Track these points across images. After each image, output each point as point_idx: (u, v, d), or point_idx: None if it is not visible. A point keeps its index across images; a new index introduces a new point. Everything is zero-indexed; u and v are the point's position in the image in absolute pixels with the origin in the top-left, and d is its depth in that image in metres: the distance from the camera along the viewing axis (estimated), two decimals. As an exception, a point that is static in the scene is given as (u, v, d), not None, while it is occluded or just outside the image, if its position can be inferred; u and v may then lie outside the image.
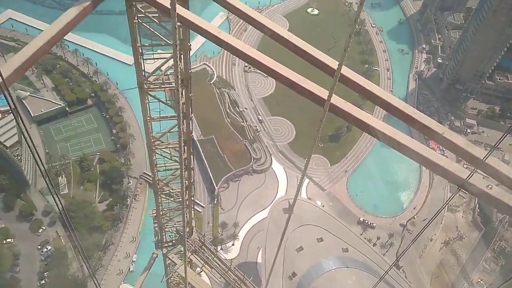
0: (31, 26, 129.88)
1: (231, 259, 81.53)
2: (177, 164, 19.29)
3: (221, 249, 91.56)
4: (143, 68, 14.20)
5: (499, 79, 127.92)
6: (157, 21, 11.61)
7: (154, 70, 14.18)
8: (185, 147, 18.56)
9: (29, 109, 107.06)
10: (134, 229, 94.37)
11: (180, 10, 8.20)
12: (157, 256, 30.63)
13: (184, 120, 16.74)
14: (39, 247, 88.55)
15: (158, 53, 14.36)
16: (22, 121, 7.83)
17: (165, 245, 27.44)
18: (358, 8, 6.82)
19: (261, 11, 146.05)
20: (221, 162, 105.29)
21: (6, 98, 6.97)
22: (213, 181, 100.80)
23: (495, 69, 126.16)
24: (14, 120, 70.67)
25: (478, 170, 6.80)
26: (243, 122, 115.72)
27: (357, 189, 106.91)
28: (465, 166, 7.48)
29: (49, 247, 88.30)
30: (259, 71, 8.75)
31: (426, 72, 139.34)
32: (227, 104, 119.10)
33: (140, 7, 11.31)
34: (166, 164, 19.63)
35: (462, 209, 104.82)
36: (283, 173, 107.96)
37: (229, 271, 31.60)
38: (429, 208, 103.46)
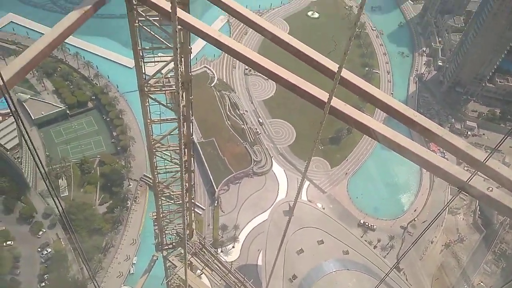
0: (32, 29, 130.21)
1: (232, 261, 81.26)
2: (177, 166, 19.32)
3: (222, 251, 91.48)
4: (143, 71, 14.23)
5: (500, 81, 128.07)
6: (158, 24, 11.64)
7: (154, 73, 14.26)
8: (186, 150, 18.57)
9: (29, 112, 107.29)
10: (134, 231, 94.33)
11: (180, 13, 8.21)
12: (157, 259, 30.68)
13: (185, 123, 16.75)
14: (39, 249, 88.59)
15: (158, 56, 14.40)
16: (23, 124, 7.84)
17: (165, 247, 27.42)
18: (358, 11, 6.82)
19: (262, 15, 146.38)
20: (222, 164, 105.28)
21: (6, 101, 7.00)
22: (213, 183, 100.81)
23: (495, 71, 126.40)
24: (15, 122, 71.03)
25: (478, 172, 6.81)
26: (243, 124, 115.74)
27: (358, 191, 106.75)
28: (465, 168, 7.48)
29: (49, 250, 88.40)
30: (260, 74, 8.75)
31: (426, 75, 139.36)
32: (227, 107, 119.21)
33: (141, 11, 11.35)
34: (167, 167, 19.65)
35: (463, 211, 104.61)
36: (284, 175, 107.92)
37: (229, 274, 31.63)
38: (430, 211, 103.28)
